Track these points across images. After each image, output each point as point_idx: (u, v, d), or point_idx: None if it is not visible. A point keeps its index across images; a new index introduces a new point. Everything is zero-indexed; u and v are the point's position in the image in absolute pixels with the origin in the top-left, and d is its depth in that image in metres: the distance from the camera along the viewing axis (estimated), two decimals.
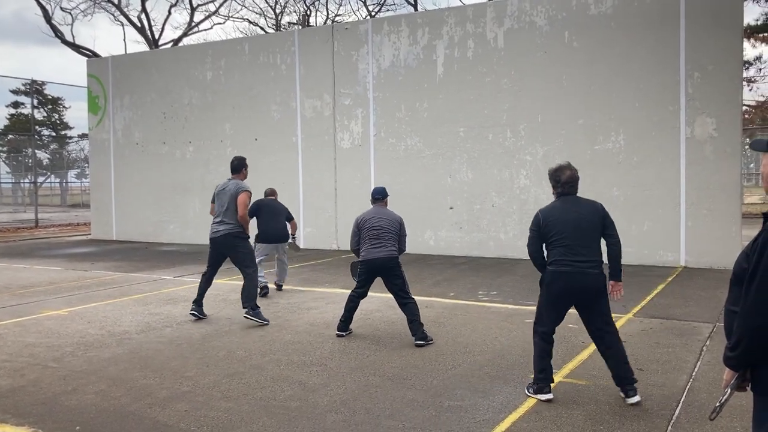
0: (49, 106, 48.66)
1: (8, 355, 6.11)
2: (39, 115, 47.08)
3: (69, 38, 31.26)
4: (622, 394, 4.64)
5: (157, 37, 32.67)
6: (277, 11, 34.94)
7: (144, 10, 33.30)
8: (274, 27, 34.51)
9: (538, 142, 12.59)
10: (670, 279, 10.03)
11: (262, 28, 35.13)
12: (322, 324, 7.23)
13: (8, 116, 47.67)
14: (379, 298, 8.12)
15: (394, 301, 6.65)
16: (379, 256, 6.44)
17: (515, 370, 5.42)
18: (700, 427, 4.18)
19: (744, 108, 22.92)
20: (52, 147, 50.54)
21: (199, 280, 7.72)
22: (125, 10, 33.08)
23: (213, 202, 7.54)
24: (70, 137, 49.40)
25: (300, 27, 32.37)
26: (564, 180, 4.76)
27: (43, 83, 44.95)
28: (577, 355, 5.79)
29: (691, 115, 11.31)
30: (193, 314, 7.54)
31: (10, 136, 45.87)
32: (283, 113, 15.45)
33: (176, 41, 32.39)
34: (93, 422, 4.40)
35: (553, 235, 4.67)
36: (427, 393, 4.89)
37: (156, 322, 7.47)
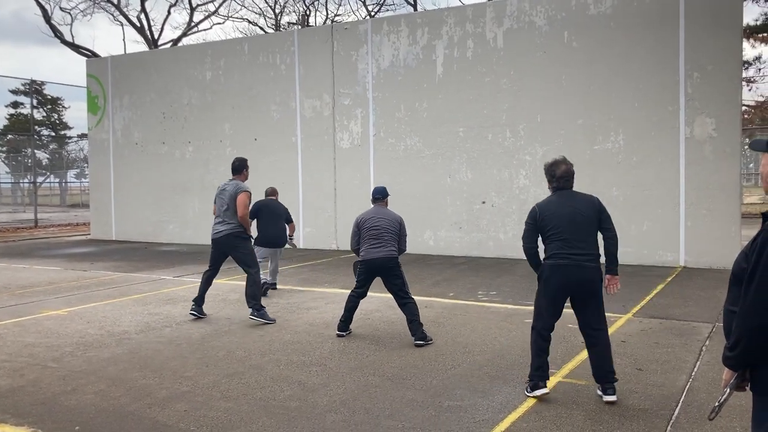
0: (49, 106, 48.65)
1: (8, 355, 6.11)
2: (38, 115, 47.07)
3: (68, 38, 31.24)
4: (599, 392, 4.63)
5: (156, 37, 32.65)
6: (277, 11, 34.98)
7: (143, 10, 33.31)
8: (273, 27, 34.52)
9: (538, 142, 12.60)
10: (669, 279, 10.03)
11: (261, 28, 35.15)
12: (321, 324, 7.23)
13: (8, 116, 47.71)
14: (378, 298, 8.12)
15: (394, 301, 6.66)
16: (379, 256, 6.44)
17: (515, 370, 5.42)
18: (699, 427, 4.18)
19: (743, 108, 22.89)
20: (51, 147, 50.55)
21: (200, 280, 7.75)
22: (125, 10, 33.16)
23: (215, 202, 7.58)
24: (70, 137, 49.45)
25: (299, 27, 32.37)
26: (559, 174, 4.78)
27: (43, 83, 45.03)
28: (576, 355, 5.79)
29: (690, 115, 11.32)
30: (192, 314, 7.56)
31: (10, 136, 45.88)
32: (283, 113, 15.45)
33: (176, 41, 32.37)
34: (92, 422, 4.40)
35: (549, 229, 4.68)
36: (427, 393, 4.89)
37: (155, 322, 7.47)
